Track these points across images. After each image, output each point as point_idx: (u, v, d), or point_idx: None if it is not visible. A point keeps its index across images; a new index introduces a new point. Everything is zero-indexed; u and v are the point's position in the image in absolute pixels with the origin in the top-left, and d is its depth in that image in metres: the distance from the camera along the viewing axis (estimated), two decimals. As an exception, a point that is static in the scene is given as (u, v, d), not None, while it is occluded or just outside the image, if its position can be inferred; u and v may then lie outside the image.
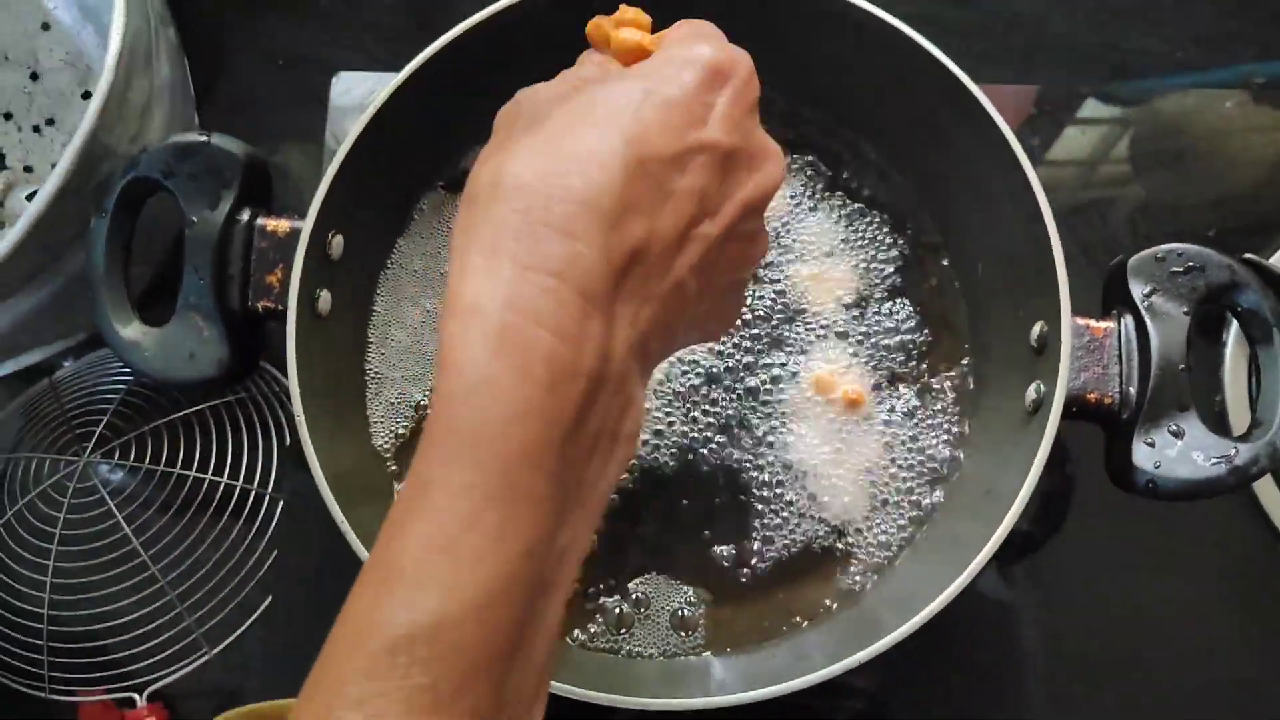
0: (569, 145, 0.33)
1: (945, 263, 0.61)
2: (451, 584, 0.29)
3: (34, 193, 0.69)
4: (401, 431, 0.59)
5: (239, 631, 0.62)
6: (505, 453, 0.30)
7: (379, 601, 0.30)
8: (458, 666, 0.29)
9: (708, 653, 0.56)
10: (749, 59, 0.37)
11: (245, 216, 0.54)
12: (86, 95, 0.70)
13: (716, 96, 0.35)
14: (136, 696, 0.61)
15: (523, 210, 0.32)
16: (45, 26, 0.71)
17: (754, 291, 0.60)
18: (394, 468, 0.59)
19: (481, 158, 0.35)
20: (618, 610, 0.56)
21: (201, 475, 0.63)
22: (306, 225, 0.52)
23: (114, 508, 0.62)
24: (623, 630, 0.56)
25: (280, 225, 0.54)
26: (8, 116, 0.71)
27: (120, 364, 0.66)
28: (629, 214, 0.32)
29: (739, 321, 0.60)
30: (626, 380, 0.33)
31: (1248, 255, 0.61)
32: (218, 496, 0.63)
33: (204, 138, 0.53)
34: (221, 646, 0.62)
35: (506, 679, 0.30)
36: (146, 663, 0.62)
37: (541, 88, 0.38)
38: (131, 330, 0.53)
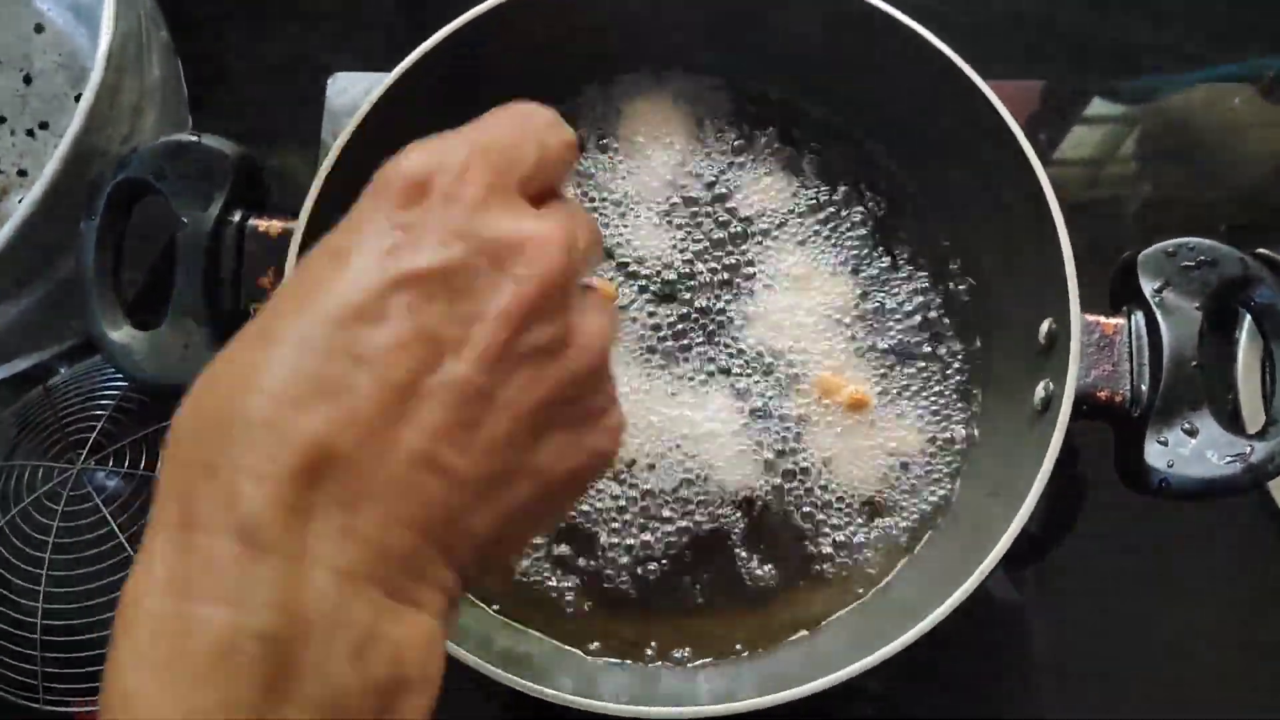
0: (231, 363, 0.27)
1: (952, 259, 0.60)
2: None
3: (27, 197, 0.68)
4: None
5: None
6: None
7: None
8: None
9: (722, 660, 0.55)
10: (462, 146, 0.29)
11: (237, 218, 0.53)
12: (80, 98, 0.70)
13: (414, 213, 0.28)
14: (131, 707, 0.60)
15: (175, 463, 0.26)
16: (39, 29, 0.71)
17: (750, 294, 0.59)
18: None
19: None
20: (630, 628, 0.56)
21: (196, 482, 0.62)
22: (299, 226, 0.52)
23: (108, 515, 0.61)
24: (640, 645, 0.55)
25: (272, 226, 0.53)
26: (1, 120, 0.70)
27: (115, 371, 0.66)
28: (294, 413, 0.25)
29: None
30: (345, 617, 0.25)
31: (1261, 250, 0.60)
32: (213, 503, 0.62)
33: (194, 138, 0.53)
34: (217, 656, 0.61)
35: None
36: (141, 673, 0.61)
37: None
38: (122, 334, 0.53)
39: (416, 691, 0.27)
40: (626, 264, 0.59)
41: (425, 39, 0.54)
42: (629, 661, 0.55)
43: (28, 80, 0.70)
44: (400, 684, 0.26)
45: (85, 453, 0.62)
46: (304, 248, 0.52)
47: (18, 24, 0.70)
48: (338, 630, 0.25)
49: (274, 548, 0.25)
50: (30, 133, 0.70)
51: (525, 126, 0.30)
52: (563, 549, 0.56)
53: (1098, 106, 0.73)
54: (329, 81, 0.70)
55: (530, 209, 0.29)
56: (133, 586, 0.25)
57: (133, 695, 0.24)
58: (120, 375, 0.65)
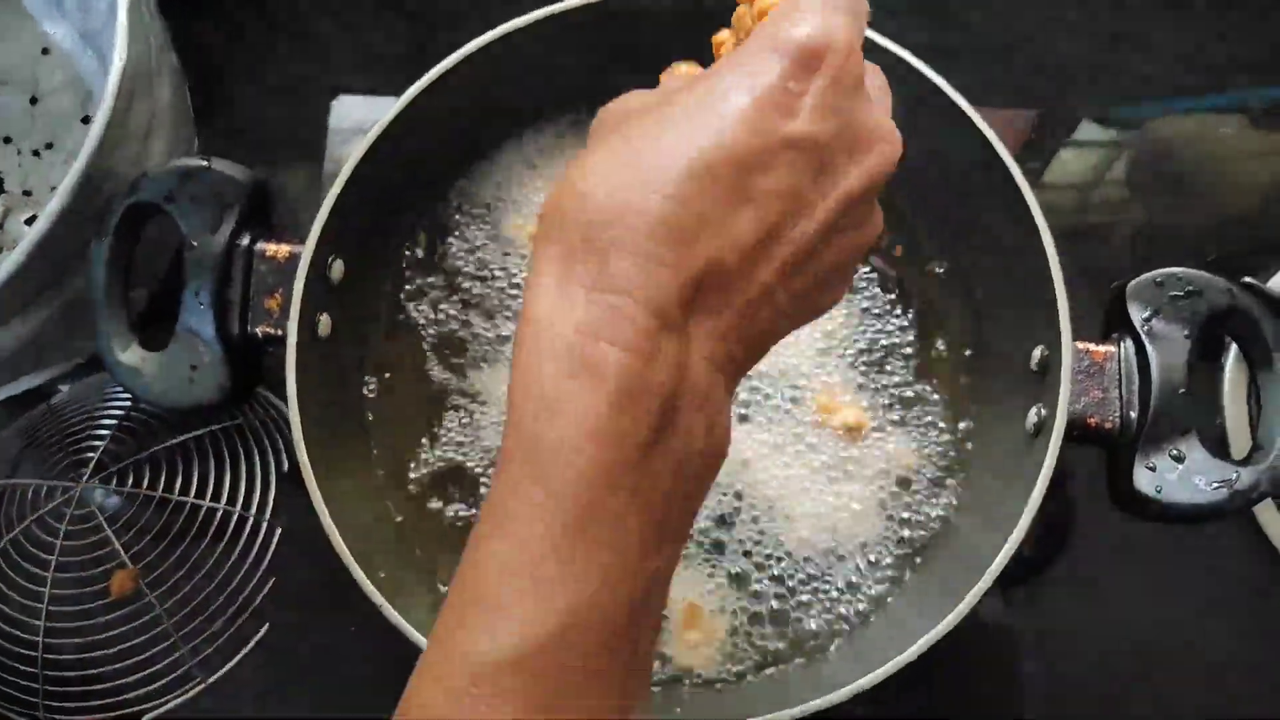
0: (641, 157, 0.31)
1: (945, 285, 0.61)
2: (532, 612, 0.29)
3: (33, 217, 0.69)
4: (402, 458, 0.59)
5: (235, 660, 0.62)
6: (579, 473, 0.29)
7: (462, 627, 0.30)
8: (540, 697, 0.29)
9: (702, 684, 0.56)
10: (849, 29, 0.33)
11: (246, 241, 0.54)
12: (86, 119, 0.71)
13: (808, 82, 0.32)
14: (131, 725, 0.61)
15: (591, 228, 0.31)
16: (45, 51, 0.71)
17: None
18: (393, 493, 0.58)
19: (566, 173, 0.34)
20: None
21: (199, 501, 0.62)
22: (307, 250, 0.52)
23: (111, 534, 0.61)
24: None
25: (281, 250, 0.54)
26: (7, 140, 0.71)
27: (117, 388, 0.66)
28: (701, 226, 0.30)
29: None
30: (709, 396, 0.32)
31: (1247, 279, 0.61)
32: (215, 522, 0.62)
33: (205, 162, 0.53)
34: (217, 676, 0.61)
35: (594, 707, 0.30)
36: (141, 691, 0.61)
37: (632, 95, 0.36)
38: (131, 354, 0.53)
39: (719, 463, 0.34)
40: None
41: (428, 64, 0.55)
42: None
43: (34, 101, 0.71)
44: (717, 456, 0.33)
45: (89, 471, 0.63)
46: (311, 271, 0.52)
47: (25, 45, 0.71)
48: (702, 404, 0.32)
49: (674, 328, 0.30)
50: (36, 153, 0.71)
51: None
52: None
53: (1087, 131, 0.74)
54: (333, 104, 0.71)
55: (869, 95, 0.34)
56: (540, 312, 0.31)
57: (561, 396, 0.30)
58: (123, 394, 0.66)
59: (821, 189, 0.32)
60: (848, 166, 0.33)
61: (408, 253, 0.62)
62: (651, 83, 0.37)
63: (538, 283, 0.31)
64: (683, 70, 0.38)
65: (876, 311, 0.60)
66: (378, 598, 0.49)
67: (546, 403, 0.30)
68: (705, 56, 0.60)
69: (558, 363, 0.30)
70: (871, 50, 0.55)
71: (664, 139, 0.31)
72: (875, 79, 0.36)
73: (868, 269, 0.61)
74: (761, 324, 0.33)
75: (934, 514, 0.57)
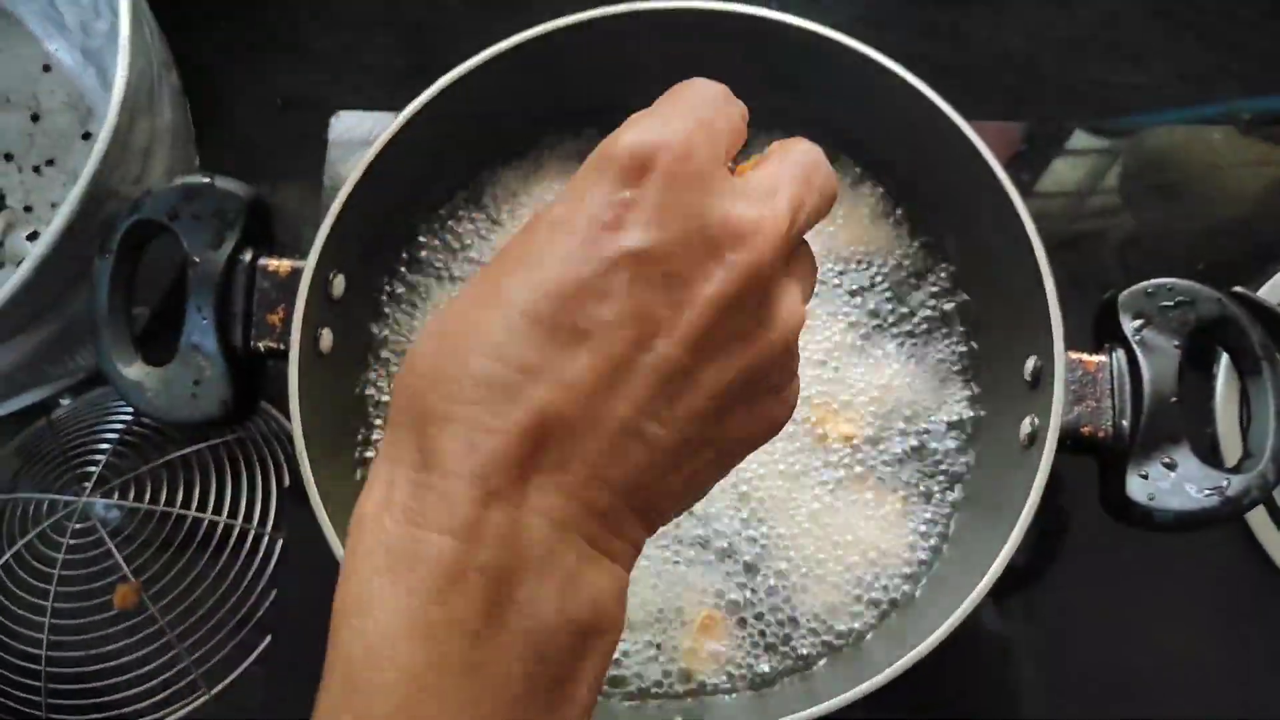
0: (466, 315, 0.29)
1: (937, 294, 0.61)
2: None
3: (34, 233, 0.69)
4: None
5: (237, 671, 0.62)
6: (394, 681, 0.26)
7: None
8: None
9: (704, 695, 0.56)
10: (687, 124, 0.29)
11: (248, 257, 0.54)
12: (87, 136, 0.71)
13: (636, 190, 0.28)
14: (134, 737, 0.61)
15: (414, 402, 0.28)
16: (46, 68, 0.72)
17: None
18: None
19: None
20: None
21: (200, 515, 0.63)
22: (308, 265, 0.53)
23: (113, 548, 0.62)
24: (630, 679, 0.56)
25: (282, 265, 0.54)
26: (8, 157, 0.71)
27: (118, 403, 0.67)
28: (526, 378, 0.27)
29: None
30: (552, 560, 0.28)
31: (1237, 288, 0.62)
32: (217, 536, 0.63)
33: (207, 180, 0.54)
34: (220, 687, 0.62)
35: None
36: (145, 704, 0.61)
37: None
38: (134, 370, 0.54)
39: (606, 634, 0.29)
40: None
41: (428, 80, 0.55)
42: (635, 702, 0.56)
43: (35, 119, 0.72)
44: (593, 625, 0.29)
45: (90, 486, 0.63)
46: (313, 286, 0.53)
47: (26, 63, 0.72)
48: (547, 571, 0.28)
49: (502, 495, 0.27)
50: (37, 170, 0.71)
51: (718, 99, 0.32)
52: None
53: (1079, 140, 0.75)
54: (333, 119, 0.71)
55: (743, 188, 0.30)
56: (370, 504, 0.28)
57: (372, 598, 0.27)
58: (124, 408, 0.66)
59: (675, 303, 0.28)
60: (710, 269, 0.28)
61: (410, 265, 0.62)
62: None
63: (372, 473, 0.29)
64: None
65: (872, 323, 0.61)
66: (380, 610, 0.49)
67: (358, 607, 0.27)
68: (702, 70, 0.61)
69: (370, 557, 0.27)
70: (864, 64, 0.55)
71: (487, 290, 0.29)
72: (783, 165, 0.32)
73: (858, 273, 0.62)
74: (637, 464, 0.29)
75: (928, 524, 0.58)
